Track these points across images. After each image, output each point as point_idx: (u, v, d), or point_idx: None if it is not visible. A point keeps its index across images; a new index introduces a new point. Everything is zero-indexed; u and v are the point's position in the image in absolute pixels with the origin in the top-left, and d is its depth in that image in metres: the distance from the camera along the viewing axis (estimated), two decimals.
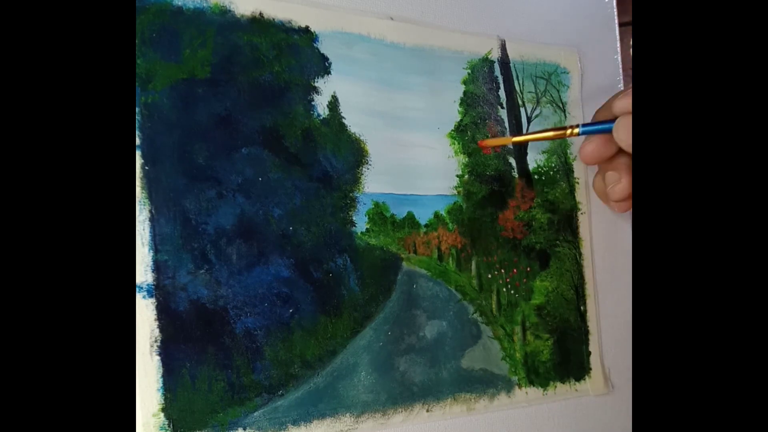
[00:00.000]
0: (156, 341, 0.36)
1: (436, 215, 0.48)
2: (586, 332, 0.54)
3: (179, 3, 0.39)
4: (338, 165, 0.44)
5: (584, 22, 0.57)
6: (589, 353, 0.54)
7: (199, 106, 0.39)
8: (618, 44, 0.59)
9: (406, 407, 0.45)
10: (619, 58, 0.59)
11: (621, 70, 0.59)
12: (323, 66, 0.44)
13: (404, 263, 0.46)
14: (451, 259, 0.48)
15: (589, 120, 0.53)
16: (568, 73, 0.55)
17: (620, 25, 0.59)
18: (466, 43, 0.50)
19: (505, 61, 0.52)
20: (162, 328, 0.36)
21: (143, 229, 0.36)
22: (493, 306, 0.50)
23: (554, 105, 0.54)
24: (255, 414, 0.39)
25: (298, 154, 0.42)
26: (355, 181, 0.44)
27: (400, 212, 0.46)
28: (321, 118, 0.43)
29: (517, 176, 0.52)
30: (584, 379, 0.53)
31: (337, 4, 0.45)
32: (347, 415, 0.42)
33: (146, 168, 0.37)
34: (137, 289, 0.36)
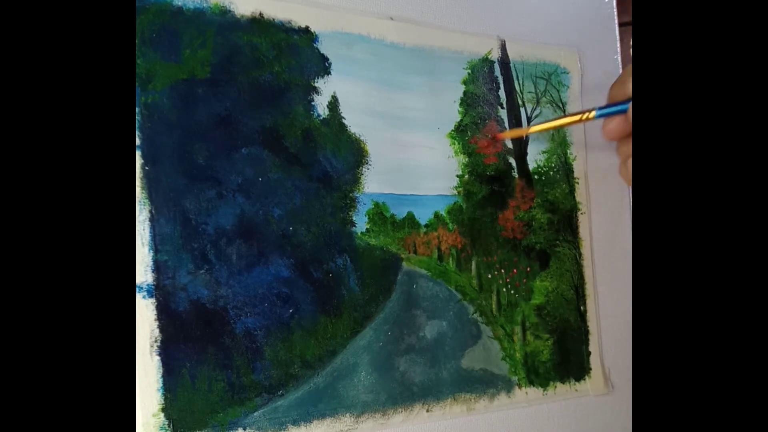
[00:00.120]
0: (156, 341, 0.36)
1: (436, 215, 0.48)
2: (586, 332, 0.54)
3: (179, 3, 0.39)
4: (338, 165, 0.44)
5: (584, 22, 0.57)
6: (589, 353, 0.54)
7: (199, 106, 0.39)
8: (618, 44, 0.59)
9: (406, 407, 0.45)
10: (619, 58, 0.59)
11: (621, 70, 0.59)
12: (323, 66, 0.44)
13: (404, 263, 0.47)
14: (451, 259, 0.49)
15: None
16: (568, 73, 0.55)
17: (620, 25, 0.59)
18: (466, 43, 0.50)
19: (505, 61, 0.52)
20: (162, 328, 0.36)
21: (143, 229, 0.36)
22: (493, 306, 0.50)
23: (554, 105, 0.54)
24: (255, 414, 0.39)
25: (298, 154, 0.42)
26: (355, 181, 0.44)
27: (400, 212, 0.46)
28: (321, 118, 0.43)
29: (517, 176, 0.52)
30: (584, 379, 0.53)
31: (337, 4, 0.45)
32: (347, 415, 0.42)
33: (146, 168, 0.37)
34: (137, 289, 0.36)
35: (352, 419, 0.42)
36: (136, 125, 0.37)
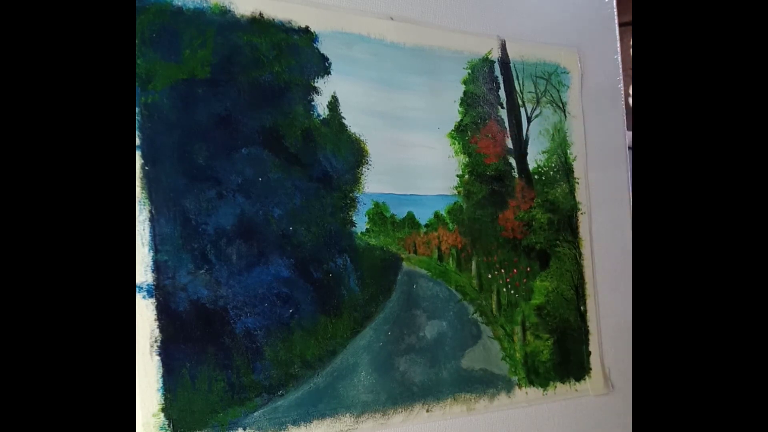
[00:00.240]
0: (156, 341, 0.36)
1: (436, 215, 0.48)
2: (586, 332, 0.54)
3: (179, 3, 0.39)
4: (338, 165, 0.44)
5: (584, 22, 0.57)
6: (589, 353, 0.54)
7: (199, 106, 0.39)
8: (618, 44, 0.59)
9: (406, 407, 0.45)
10: (619, 58, 0.59)
11: (621, 70, 0.59)
12: (323, 66, 0.44)
13: (404, 263, 0.46)
14: (451, 259, 0.48)
15: (590, 116, 0.52)
16: (568, 73, 0.55)
17: (620, 25, 0.59)
18: (466, 43, 0.50)
19: (505, 61, 0.52)
20: (162, 328, 0.36)
21: (143, 229, 0.36)
22: (493, 306, 0.50)
23: (554, 105, 0.54)
24: (255, 414, 0.39)
25: (298, 154, 0.42)
26: (355, 181, 0.44)
27: (400, 212, 0.46)
28: (321, 118, 0.43)
29: (517, 176, 0.52)
30: (584, 379, 0.53)
31: (337, 4, 0.45)
32: (347, 415, 0.42)
33: (146, 168, 0.37)
34: (137, 289, 0.36)
35: (352, 419, 0.42)
36: (136, 125, 0.37)
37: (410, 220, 0.47)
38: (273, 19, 0.42)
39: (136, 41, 0.37)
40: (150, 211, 0.37)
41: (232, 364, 0.38)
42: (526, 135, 0.53)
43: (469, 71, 0.50)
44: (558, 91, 0.55)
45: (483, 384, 0.48)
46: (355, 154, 0.44)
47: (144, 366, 0.36)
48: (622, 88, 0.58)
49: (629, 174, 0.57)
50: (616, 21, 0.59)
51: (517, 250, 0.51)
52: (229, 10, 0.40)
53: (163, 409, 0.36)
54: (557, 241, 0.53)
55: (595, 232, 0.55)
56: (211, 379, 0.38)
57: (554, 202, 0.54)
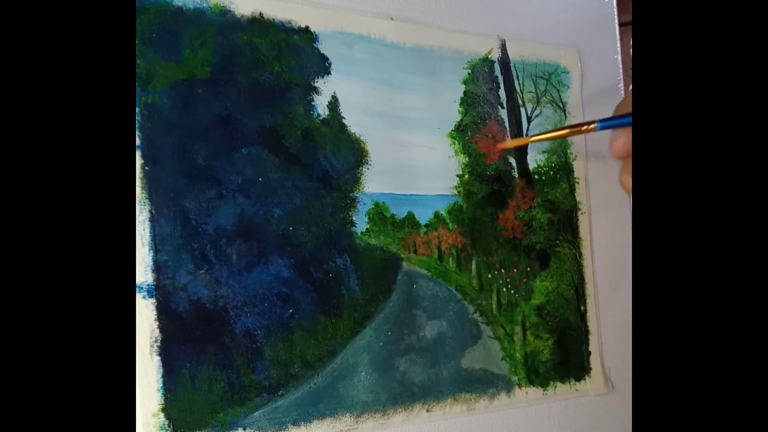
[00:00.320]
0: (156, 341, 0.36)
1: (437, 215, 0.48)
2: (586, 332, 0.54)
3: (179, 3, 0.39)
4: (338, 165, 0.44)
5: (584, 22, 0.57)
6: (589, 353, 0.54)
7: (199, 106, 0.39)
8: (618, 44, 0.59)
9: (406, 407, 0.45)
10: (619, 58, 0.59)
11: (621, 70, 0.59)
12: (323, 66, 0.44)
13: (404, 263, 0.47)
14: (451, 259, 0.49)
15: (596, 116, 0.53)
16: (568, 73, 0.55)
17: (620, 25, 0.59)
18: (466, 43, 0.50)
19: (505, 61, 0.52)
20: (162, 328, 0.36)
21: (143, 229, 0.36)
22: (493, 306, 0.50)
23: (554, 105, 0.54)
24: (255, 414, 0.39)
25: (298, 154, 0.42)
26: (355, 181, 0.44)
27: (400, 212, 0.46)
28: (321, 118, 0.43)
29: (517, 176, 0.52)
30: (584, 379, 0.53)
31: (337, 4, 0.45)
32: (347, 415, 0.42)
33: (146, 168, 0.37)
34: (137, 289, 0.36)
35: (352, 419, 0.42)
36: (136, 125, 0.37)
37: (410, 220, 0.47)
38: (273, 19, 0.42)
39: (136, 41, 0.37)
40: (150, 211, 0.37)
41: (232, 364, 0.38)
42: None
43: (469, 71, 0.50)
44: (558, 91, 0.55)
45: (483, 384, 0.48)
46: (355, 154, 0.44)
47: (144, 366, 0.36)
48: (622, 88, 0.58)
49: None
50: (616, 21, 0.59)
51: (517, 250, 0.51)
52: (229, 10, 0.40)
53: (163, 409, 0.36)
54: (557, 241, 0.53)
55: (595, 232, 0.55)
56: (211, 379, 0.38)
57: (554, 202, 0.54)
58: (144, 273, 0.36)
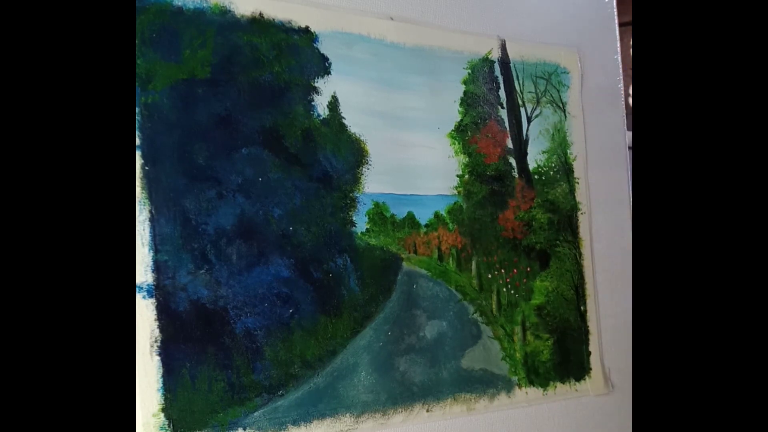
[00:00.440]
0: (156, 341, 0.36)
1: (437, 215, 0.48)
2: (586, 332, 0.54)
3: (179, 3, 0.39)
4: (338, 165, 0.44)
5: (584, 22, 0.57)
6: (589, 353, 0.54)
7: (199, 106, 0.39)
8: (618, 44, 0.59)
9: (406, 407, 0.45)
10: (619, 58, 0.59)
11: (621, 70, 0.59)
12: (323, 66, 0.44)
13: (404, 263, 0.47)
14: (451, 259, 0.49)
15: (590, 116, 0.52)
16: (568, 73, 0.55)
17: (620, 25, 0.59)
18: (466, 43, 0.50)
19: (505, 61, 0.52)
20: (162, 328, 0.36)
21: (143, 229, 0.36)
22: (493, 306, 0.50)
23: (554, 105, 0.54)
24: (255, 414, 0.39)
25: (298, 154, 0.42)
26: (355, 181, 0.44)
27: (400, 212, 0.46)
28: (321, 118, 0.43)
29: (517, 176, 0.52)
30: (584, 379, 0.53)
31: (337, 4, 0.45)
32: (347, 415, 0.42)
33: (146, 168, 0.37)
34: (137, 289, 0.36)
35: (352, 419, 0.42)
36: (136, 125, 0.37)
37: (410, 220, 0.47)
38: (273, 19, 0.42)
39: (136, 41, 0.37)
40: (150, 211, 0.37)
41: (232, 364, 0.38)
42: (526, 135, 0.53)
43: (469, 71, 0.50)
44: (558, 91, 0.55)
45: (483, 384, 0.48)
46: (355, 154, 0.44)
47: (144, 366, 0.36)
48: (622, 88, 0.58)
49: (629, 174, 0.57)
50: (616, 21, 0.59)
51: (517, 250, 0.51)
52: (229, 10, 0.40)
53: (163, 409, 0.36)
54: (557, 241, 0.53)
55: (595, 232, 0.55)
56: (211, 379, 0.38)
57: (554, 202, 0.54)
58: (144, 273, 0.36)
